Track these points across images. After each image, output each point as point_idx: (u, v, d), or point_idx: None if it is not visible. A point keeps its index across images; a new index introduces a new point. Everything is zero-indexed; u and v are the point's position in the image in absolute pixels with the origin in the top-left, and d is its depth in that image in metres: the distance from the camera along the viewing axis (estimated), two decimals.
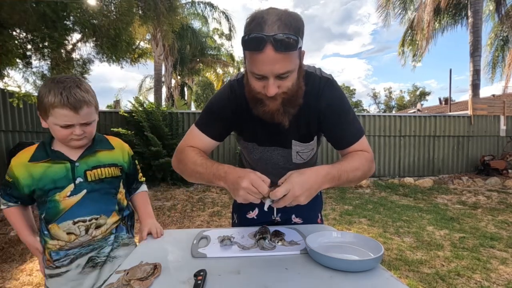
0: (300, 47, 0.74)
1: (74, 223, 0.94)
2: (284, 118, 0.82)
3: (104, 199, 1.00)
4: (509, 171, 7.04)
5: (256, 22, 0.71)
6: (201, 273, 0.67)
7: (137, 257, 0.81)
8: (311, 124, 0.93)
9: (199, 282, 0.64)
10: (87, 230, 0.95)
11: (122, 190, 1.07)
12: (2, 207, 0.98)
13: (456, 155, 7.60)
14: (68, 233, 0.94)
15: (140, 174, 1.18)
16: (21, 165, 0.93)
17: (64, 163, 0.94)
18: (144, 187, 1.19)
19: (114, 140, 1.09)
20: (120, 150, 1.08)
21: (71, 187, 0.94)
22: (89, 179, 0.96)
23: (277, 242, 0.88)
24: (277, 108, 0.80)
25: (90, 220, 0.95)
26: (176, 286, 0.66)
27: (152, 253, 0.86)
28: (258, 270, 0.73)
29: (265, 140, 0.99)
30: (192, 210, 4.30)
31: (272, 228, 0.98)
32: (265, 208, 0.75)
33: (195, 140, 0.95)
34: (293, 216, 1.19)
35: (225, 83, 1.02)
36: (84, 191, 0.95)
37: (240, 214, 1.23)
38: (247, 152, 1.07)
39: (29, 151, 0.95)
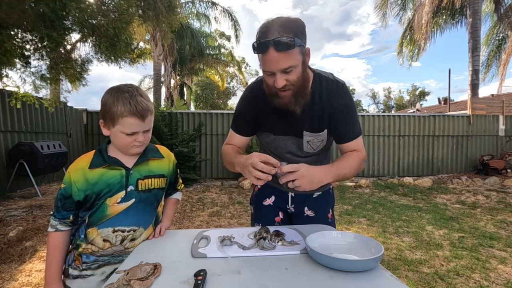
0: (301, 46, 0.89)
1: (114, 231, 0.95)
2: (296, 107, 0.97)
3: (146, 210, 1.01)
4: (508, 170, 7.06)
5: (262, 31, 0.88)
6: (201, 273, 0.67)
7: (137, 257, 0.81)
8: (323, 119, 1.05)
9: (199, 282, 0.64)
10: (122, 241, 0.96)
11: (162, 203, 1.11)
12: (50, 229, 0.95)
13: (455, 154, 7.61)
14: (104, 240, 0.95)
15: (180, 182, 1.21)
16: (80, 170, 0.95)
17: (119, 169, 0.97)
18: (177, 195, 1.21)
19: (162, 149, 1.12)
20: (167, 160, 1.11)
21: (122, 194, 0.96)
22: (140, 188, 0.99)
23: (277, 242, 0.89)
24: (289, 99, 0.95)
25: (128, 231, 0.97)
26: (176, 286, 0.66)
27: (152, 253, 0.86)
28: (258, 270, 0.73)
29: (280, 130, 1.12)
30: (191, 210, 4.29)
31: (272, 228, 0.98)
32: (280, 180, 0.86)
33: (231, 139, 1.18)
34: (306, 208, 1.26)
35: (247, 85, 1.21)
36: (133, 200, 0.97)
37: (257, 204, 1.31)
38: (266, 142, 1.20)
39: (87, 157, 0.98)
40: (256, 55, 0.94)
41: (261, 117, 1.11)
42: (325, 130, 1.07)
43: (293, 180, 0.84)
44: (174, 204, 1.20)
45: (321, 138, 1.09)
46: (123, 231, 0.96)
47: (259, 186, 1.34)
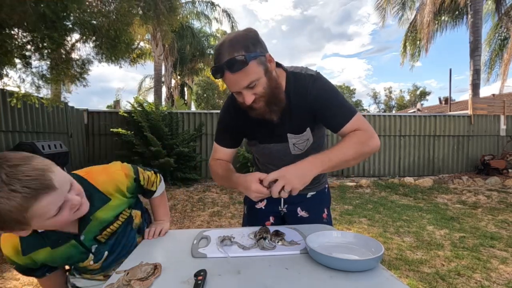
0: (257, 57, 0.85)
1: (105, 276, 0.94)
2: (272, 115, 0.96)
3: (125, 241, 0.96)
4: (509, 170, 7.03)
5: (215, 55, 0.87)
6: (201, 273, 0.67)
7: (137, 257, 0.81)
8: (304, 118, 1.03)
9: (199, 282, 0.64)
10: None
11: (137, 214, 1.01)
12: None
13: (456, 154, 7.59)
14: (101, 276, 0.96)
15: (154, 183, 1.06)
16: (19, 258, 0.77)
17: (68, 242, 0.81)
18: (158, 192, 1.11)
19: (104, 185, 0.87)
20: (117, 193, 0.89)
21: (91, 257, 0.88)
22: (103, 241, 0.89)
23: (277, 242, 0.89)
24: (263, 110, 0.94)
25: (118, 264, 0.92)
26: (176, 286, 0.66)
27: (152, 253, 0.86)
28: (258, 270, 0.73)
29: (264, 138, 1.10)
30: (192, 210, 4.30)
31: (272, 228, 0.98)
32: (272, 193, 0.85)
33: (217, 153, 1.15)
34: (299, 209, 1.23)
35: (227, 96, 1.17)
36: (106, 253, 0.90)
37: (250, 205, 1.30)
38: (254, 149, 1.20)
39: (11, 241, 0.76)
40: None
41: (243, 127, 1.09)
42: (308, 129, 1.05)
43: (283, 188, 0.81)
44: (158, 201, 1.14)
45: (305, 138, 1.07)
46: (114, 268, 0.91)
47: None
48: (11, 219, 0.60)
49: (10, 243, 0.76)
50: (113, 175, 0.90)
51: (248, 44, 0.84)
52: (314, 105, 0.98)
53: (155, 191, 1.09)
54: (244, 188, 0.92)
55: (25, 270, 0.83)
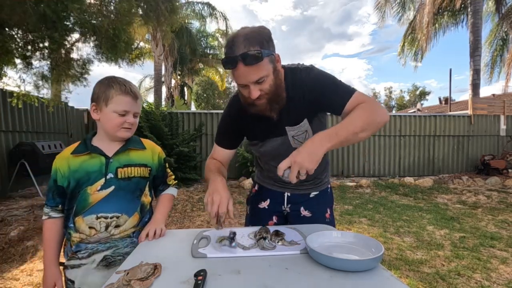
0: (270, 55, 0.89)
1: (97, 218, 0.99)
2: (272, 112, 1.00)
3: (128, 198, 1.04)
4: (509, 170, 7.03)
5: (228, 46, 0.90)
6: (202, 273, 0.67)
7: (137, 257, 0.81)
8: (301, 109, 1.05)
9: (199, 282, 0.64)
10: (107, 227, 1.00)
11: (147, 192, 1.11)
12: (44, 217, 1.03)
13: (456, 154, 7.59)
14: (90, 227, 0.99)
15: (171, 178, 1.23)
16: (64, 158, 1.02)
17: (99, 157, 1.02)
18: (171, 190, 1.21)
19: (146, 142, 1.16)
20: (150, 151, 1.14)
21: (101, 181, 1.00)
22: (119, 176, 1.03)
23: (277, 242, 0.89)
24: (264, 107, 0.97)
25: (111, 218, 1.00)
26: (176, 286, 0.66)
27: (152, 253, 0.86)
28: (258, 270, 0.73)
29: (264, 135, 1.13)
30: (192, 210, 4.30)
31: (272, 228, 0.98)
32: (290, 179, 0.83)
33: (215, 153, 1.21)
34: (302, 208, 1.23)
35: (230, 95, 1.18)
36: (112, 187, 1.01)
37: (253, 205, 1.32)
38: (255, 149, 1.21)
39: (72, 146, 1.05)
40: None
41: (244, 128, 1.14)
42: (305, 120, 1.06)
43: (299, 172, 0.82)
44: (168, 200, 1.19)
45: (303, 129, 1.07)
46: (106, 218, 1.00)
47: (256, 188, 1.35)
48: (109, 94, 0.99)
49: (72, 147, 1.05)
50: (154, 144, 1.19)
51: (263, 41, 0.88)
52: (311, 95, 1.00)
53: (168, 186, 1.21)
54: (209, 193, 0.95)
55: (55, 185, 1.01)
